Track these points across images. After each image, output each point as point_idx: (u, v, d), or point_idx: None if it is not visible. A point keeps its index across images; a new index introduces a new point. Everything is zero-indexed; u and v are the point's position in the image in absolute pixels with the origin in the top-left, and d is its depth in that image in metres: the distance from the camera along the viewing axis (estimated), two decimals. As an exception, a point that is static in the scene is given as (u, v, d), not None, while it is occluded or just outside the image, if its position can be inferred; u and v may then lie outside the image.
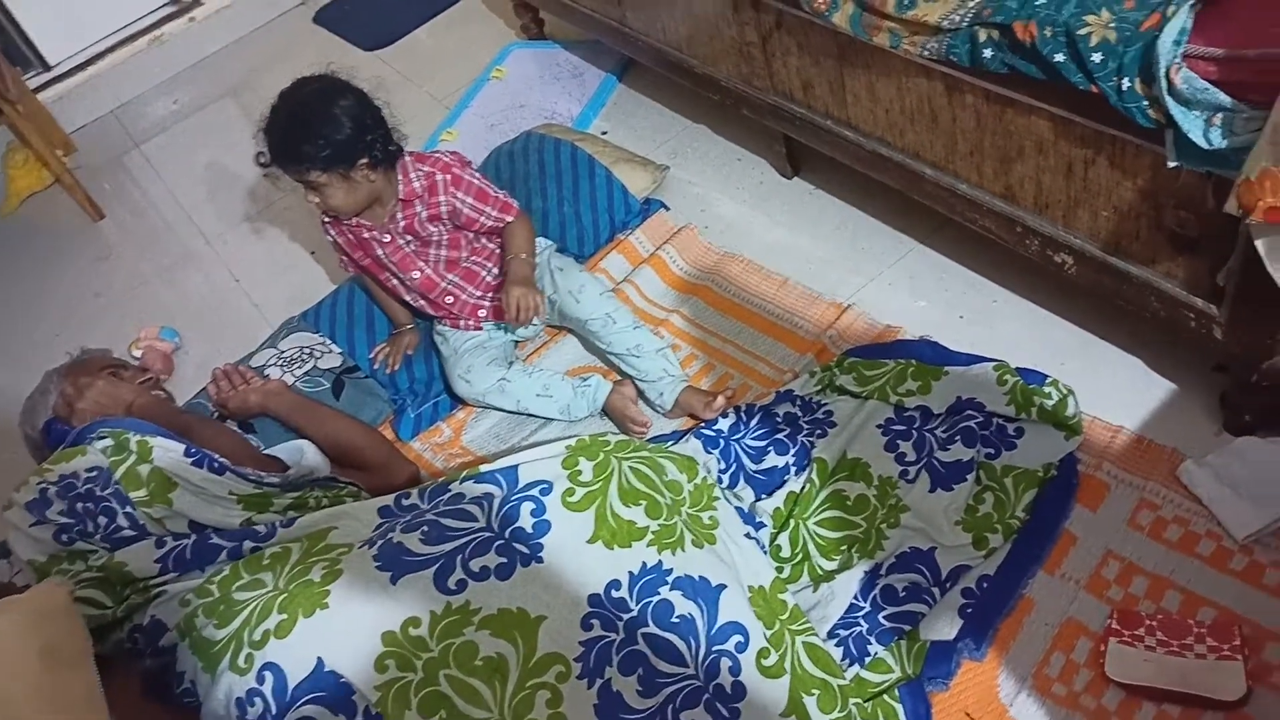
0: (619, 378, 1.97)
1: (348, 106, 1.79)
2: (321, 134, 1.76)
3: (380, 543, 1.37)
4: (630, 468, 1.48)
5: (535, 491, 1.42)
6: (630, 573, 1.36)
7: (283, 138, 1.80)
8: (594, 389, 1.92)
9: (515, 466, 1.47)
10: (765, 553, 1.58)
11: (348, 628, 1.28)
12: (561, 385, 1.94)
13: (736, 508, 1.63)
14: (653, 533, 1.41)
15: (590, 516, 1.40)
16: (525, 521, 1.39)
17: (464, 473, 1.49)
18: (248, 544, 1.44)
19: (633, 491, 1.45)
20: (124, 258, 2.89)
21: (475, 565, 1.34)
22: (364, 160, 1.80)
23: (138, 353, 2.39)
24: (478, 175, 1.95)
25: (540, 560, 1.35)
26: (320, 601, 1.29)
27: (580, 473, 1.45)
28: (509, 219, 1.97)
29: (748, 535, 1.57)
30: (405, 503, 1.47)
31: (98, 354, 1.89)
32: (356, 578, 1.32)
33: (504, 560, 1.34)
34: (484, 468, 1.49)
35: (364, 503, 1.53)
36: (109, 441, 1.57)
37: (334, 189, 1.81)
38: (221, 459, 1.60)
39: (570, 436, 1.56)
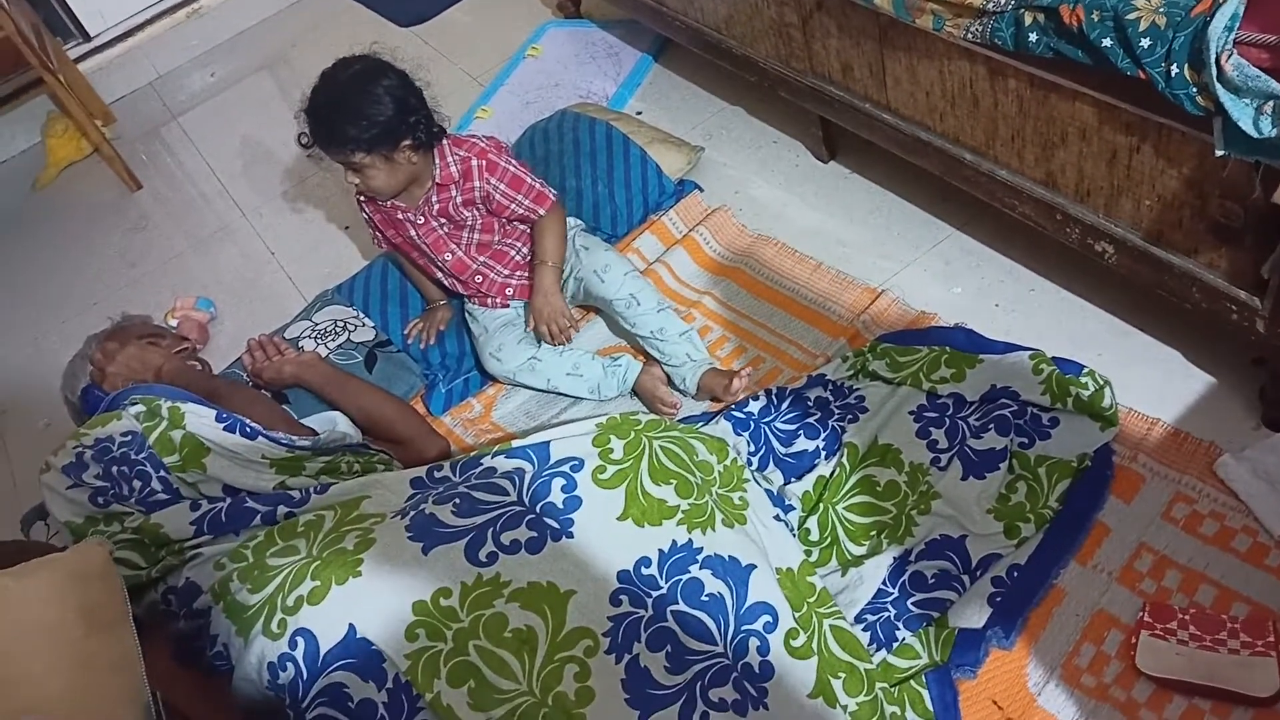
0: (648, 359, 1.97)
1: (391, 86, 1.78)
2: (365, 115, 1.75)
3: (413, 513, 1.38)
4: (661, 447, 1.48)
5: (566, 468, 1.43)
6: (660, 550, 1.37)
7: (326, 119, 1.78)
8: (624, 369, 1.93)
9: (547, 443, 1.47)
10: (794, 536, 1.58)
11: (380, 596, 1.29)
12: (592, 365, 1.94)
13: (765, 490, 1.63)
14: (683, 511, 1.41)
15: (621, 494, 1.41)
16: (556, 497, 1.40)
17: (496, 447, 1.50)
18: (282, 509, 1.46)
19: (663, 470, 1.45)
20: (161, 228, 2.92)
21: (506, 538, 1.35)
22: (407, 141, 1.80)
23: (174, 322, 2.42)
24: (515, 161, 1.94)
25: (570, 535, 1.36)
26: (353, 569, 1.30)
27: (611, 451, 1.46)
28: (541, 211, 1.95)
29: (776, 518, 1.57)
30: (437, 475, 1.49)
31: (139, 320, 1.91)
32: (389, 547, 1.33)
33: (535, 534, 1.35)
34: (515, 443, 1.50)
35: (397, 473, 1.55)
36: (141, 407, 1.59)
37: (376, 170, 1.81)
38: (253, 424, 1.61)
39: (601, 415, 1.56)
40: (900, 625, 1.47)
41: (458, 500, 1.39)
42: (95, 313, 2.57)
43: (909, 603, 1.49)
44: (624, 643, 1.29)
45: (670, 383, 1.93)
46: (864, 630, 1.47)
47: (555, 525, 1.37)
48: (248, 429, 1.60)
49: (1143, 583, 1.45)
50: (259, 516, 1.46)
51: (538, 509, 1.39)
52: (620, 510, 1.40)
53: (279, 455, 1.60)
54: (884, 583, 1.52)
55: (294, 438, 1.64)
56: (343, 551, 1.33)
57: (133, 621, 1.20)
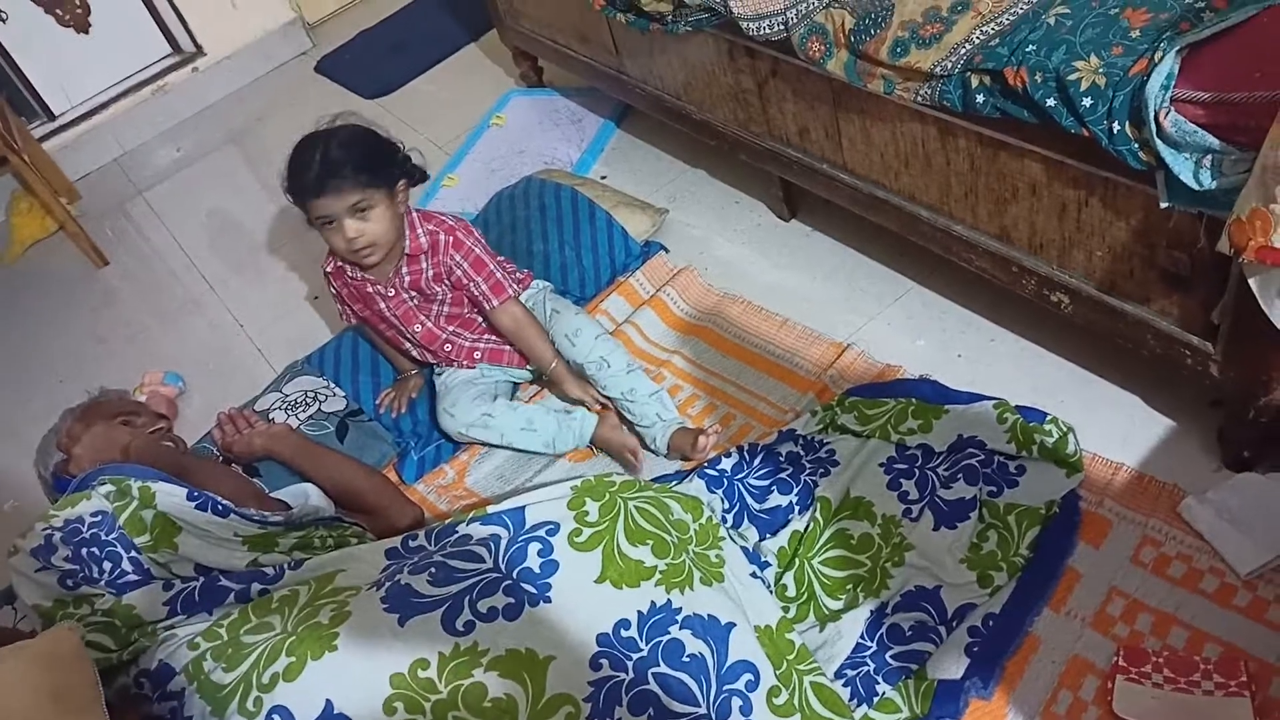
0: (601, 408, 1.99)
1: (377, 134, 1.90)
2: (367, 150, 1.83)
3: (388, 584, 1.37)
4: (637, 507, 1.49)
5: (542, 532, 1.43)
6: (639, 612, 1.37)
7: (325, 162, 1.79)
8: (579, 423, 1.93)
9: (522, 508, 1.48)
10: (771, 592, 1.59)
11: (356, 670, 1.28)
12: (546, 419, 1.95)
13: (741, 547, 1.64)
14: (661, 572, 1.42)
15: (598, 556, 1.41)
16: (532, 562, 1.39)
17: (470, 514, 1.50)
18: (256, 586, 1.45)
19: (640, 531, 1.46)
20: (128, 304, 2.91)
21: (483, 606, 1.34)
22: (403, 182, 1.89)
23: (142, 397, 2.40)
24: (481, 244, 1.97)
25: (548, 600, 1.35)
26: (329, 644, 1.29)
27: (587, 513, 1.46)
28: (495, 301, 1.94)
29: (753, 575, 1.57)
30: (412, 544, 1.48)
31: (115, 395, 1.89)
32: (365, 619, 1.32)
33: (512, 601, 1.35)
34: (490, 509, 1.50)
35: (371, 544, 1.54)
36: (111, 487, 1.57)
37: (380, 210, 1.84)
38: (225, 501, 1.60)
39: (575, 478, 1.57)
40: (880, 679, 1.47)
41: (433, 569, 1.38)
42: (62, 390, 2.54)
43: (887, 656, 1.49)
44: (605, 707, 1.28)
45: (642, 443, 1.94)
46: (844, 685, 1.47)
47: (533, 591, 1.37)
48: (219, 506, 1.59)
49: (1115, 627, 1.47)
50: (233, 595, 1.44)
51: (514, 575, 1.38)
52: (598, 573, 1.40)
53: (251, 532, 1.59)
54: (862, 636, 1.52)
55: (266, 514, 1.62)
56: (318, 626, 1.32)
57: (104, 706, 1.18)
